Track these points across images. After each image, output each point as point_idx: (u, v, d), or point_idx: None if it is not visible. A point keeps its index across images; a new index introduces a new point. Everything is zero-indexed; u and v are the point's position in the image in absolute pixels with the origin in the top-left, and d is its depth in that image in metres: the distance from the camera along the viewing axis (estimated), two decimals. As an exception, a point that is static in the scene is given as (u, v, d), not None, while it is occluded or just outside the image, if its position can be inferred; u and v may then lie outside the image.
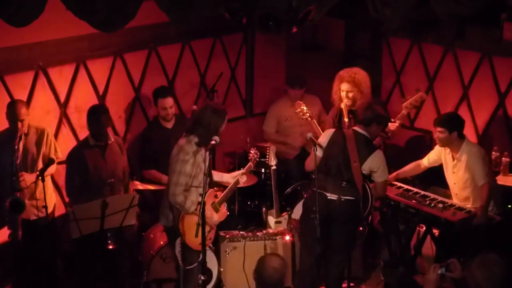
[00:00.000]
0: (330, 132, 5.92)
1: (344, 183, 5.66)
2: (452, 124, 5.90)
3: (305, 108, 6.62)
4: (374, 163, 5.66)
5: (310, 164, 5.87)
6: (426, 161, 6.29)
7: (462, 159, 5.91)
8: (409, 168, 6.36)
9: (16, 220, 5.79)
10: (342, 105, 6.42)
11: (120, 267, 6.14)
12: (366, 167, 5.66)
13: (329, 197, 5.67)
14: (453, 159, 5.98)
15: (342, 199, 5.64)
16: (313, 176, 5.52)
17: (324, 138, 5.88)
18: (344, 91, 6.47)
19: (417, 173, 6.37)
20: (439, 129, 5.91)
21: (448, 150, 6.02)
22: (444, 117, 6.16)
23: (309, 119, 6.58)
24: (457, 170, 5.97)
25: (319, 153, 5.74)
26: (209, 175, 5.16)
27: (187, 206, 5.38)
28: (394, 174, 6.33)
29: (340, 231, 5.69)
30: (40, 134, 5.97)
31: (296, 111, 6.69)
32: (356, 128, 5.81)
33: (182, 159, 5.35)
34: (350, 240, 5.85)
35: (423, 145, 6.85)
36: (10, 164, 5.78)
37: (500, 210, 5.95)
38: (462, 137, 5.92)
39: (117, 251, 5.95)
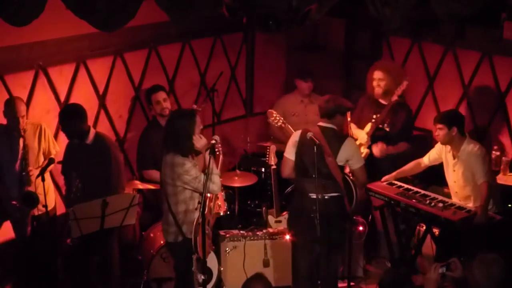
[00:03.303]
0: (297, 133, 5.86)
1: (323, 180, 5.59)
2: (451, 120, 5.89)
3: (276, 115, 6.59)
4: (348, 151, 5.63)
5: (285, 169, 5.89)
6: (427, 160, 6.29)
7: (463, 158, 5.90)
8: (409, 167, 6.36)
9: (27, 215, 5.88)
10: None
11: (111, 269, 6.13)
12: (341, 158, 5.62)
13: (312, 197, 5.61)
14: (454, 158, 5.98)
15: (326, 197, 5.59)
16: (314, 176, 5.50)
17: (293, 140, 5.84)
18: (376, 79, 6.51)
19: (417, 172, 6.37)
20: (438, 126, 5.90)
21: (448, 148, 6.02)
22: (442, 113, 6.16)
23: (283, 125, 6.54)
24: (457, 168, 5.97)
25: (291, 156, 5.78)
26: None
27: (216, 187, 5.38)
28: (394, 173, 6.32)
29: (329, 229, 5.63)
30: (38, 129, 6.01)
31: (269, 120, 6.65)
32: (321, 123, 5.77)
33: (185, 170, 5.29)
34: (341, 237, 5.81)
35: (424, 144, 6.85)
36: (8, 160, 5.85)
37: (500, 209, 5.96)
38: (463, 134, 5.91)
39: (108, 253, 6.00)
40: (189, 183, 5.32)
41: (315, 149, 5.46)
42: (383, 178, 6.32)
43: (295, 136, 5.85)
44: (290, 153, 5.81)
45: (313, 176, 5.55)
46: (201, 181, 5.27)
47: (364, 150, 6.53)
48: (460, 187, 6.01)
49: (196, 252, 5.36)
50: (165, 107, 6.61)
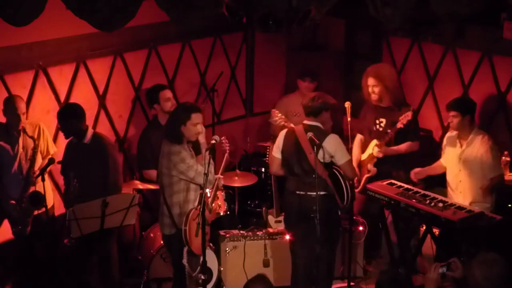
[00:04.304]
0: (283, 133, 5.92)
1: (310, 179, 5.56)
2: (465, 108, 5.95)
3: (280, 115, 6.59)
4: (331, 148, 5.60)
5: (271, 167, 5.99)
6: (443, 160, 6.32)
7: (473, 145, 5.95)
8: (435, 166, 6.36)
9: (30, 215, 5.90)
10: (346, 105, 6.43)
11: (110, 270, 6.14)
12: (324, 155, 5.58)
13: (300, 194, 5.69)
14: (461, 145, 6.01)
15: (313, 195, 5.55)
16: (314, 176, 5.49)
17: (279, 139, 5.90)
18: (370, 86, 6.52)
19: (441, 172, 6.34)
20: (452, 113, 5.94)
21: (455, 135, 6.05)
22: (457, 100, 6.17)
23: (285, 124, 6.53)
24: (464, 157, 6.01)
25: (277, 154, 5.85)
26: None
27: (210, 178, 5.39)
28: (425, 168, 6.31)
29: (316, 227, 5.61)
30: (36, 129, 6.02)
31: (272, 119, 6.63)
32: (305, 121, 5.79)
33: (181, 158, 5.34)
34: (331, 235, 5.76)
35: (424, 144, 6.85)
36: (8, 159, 5.88)
37: (498, 208, 5.98)
38: (473, 121, 5.99)
39: (107, 253, 6.01)
40: (184, 172, 5.34)
41: (314, 149, 5.46)
42: (416, 170, 6.30)
43: (281, 135, 5.91)
44: (276, 152, 5.89)
45: (297, 173, 5.68)
46: (197, 171, 5.33)
47: (371, 169, 6.54)
48: (465, 175, 6.03)
49: (186, 244, 5.38)
50: (174, 103, 6.63)
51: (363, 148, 6.71)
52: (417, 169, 6.32)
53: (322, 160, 5.56)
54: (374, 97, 6.54)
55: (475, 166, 5.97)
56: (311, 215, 5.42)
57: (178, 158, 5.33)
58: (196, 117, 5.39)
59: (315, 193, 5.48)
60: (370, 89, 6.54)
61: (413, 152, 6.54)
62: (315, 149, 5.47)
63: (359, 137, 6.75)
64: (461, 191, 6.08)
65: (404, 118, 6.26)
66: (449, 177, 6.21)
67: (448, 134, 6.34)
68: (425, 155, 6.46)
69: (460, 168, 6.06)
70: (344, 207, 5.86)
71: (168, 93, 6.63)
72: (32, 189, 5.89)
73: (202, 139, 5.54)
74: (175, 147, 5.36)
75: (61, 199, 6.53)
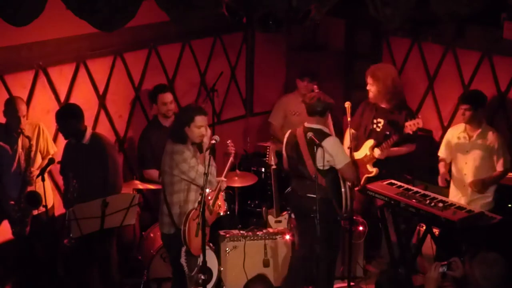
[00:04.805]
0: (287, 134, 5.97)
1: (308, 181, 5.61)
2: (478, 101, 6.01)
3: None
4: (330, 149, 5.58)
5: (284, 164, 6.07)
6: (445, 155, 6.34)
7: (484, 139, 6.00)
8: (444, 164, 6.37)
9: (28, 215, 5.91)
10: (346, 105, 6.43)
11: (110, 270, 6.14)
12: (321, 160, 5.55)
13: (301, 195, 5.75)
14: (469, 139, 6.04)
15: (309, 195, 5.60)
16: (314, 176, 5.50)
17: (285, 140, 5.98)
18: (368, 84, 6.54)
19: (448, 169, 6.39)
20: (464, 106, 5.99)
21: (461, 129, 6.09)
22: (470, 94, 6.24)
23: None
24: (473, 149, 6.04)
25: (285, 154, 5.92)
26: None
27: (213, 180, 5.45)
28: (442, 171, 6.32)
29: (311, 227, 5.57)
30: (36, 129, 6.02)
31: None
32: (306, 123, 5.78)
33: (184, 158, 5.34)
34: (329, 238, 5.74)
35: (424, 144, 6.85)
36: (7, 160, 5.88)
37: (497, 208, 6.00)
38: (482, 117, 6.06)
39: (106, 254, 6.01)
40: (186, 172, 5.34)
41: (315, 149, 5.47)
42: (442, 178, 6.30)
43: (285, 136, 5.97)
44: (283, 150, 5.99)
45: (297, 175, 5.75)
46: (198, 172, 5.33)
47: (372, 169, 6.52)
48: (472, 168, 6.06)
49: (185, 244, 5.38)
50: (170, 109, 6.61)
51: (356, 144, 6.64)
52: (443, 175, 6.35)
53: (321, 167, 5.58)
54: (370, 95, 6.55)
55: (484, 159, 6.00)
56: (311, 215, 5.43)
57: (181, 158, 5.34)
58: (200, 120, 5.38)
59: (310, 195, 5.53)
60: (368, 87, 6.55)
61: (410, 153, 6.55)
62: (315, 149, 5.47)
63: (350, 130, 6.66)
64: (465, 184, 6.09)
65: (414, 126, 6.23)
66: (453, 170, 6.21)
67: (451, 128, 6.36)
68: (425, 155, 6.45)
69: (466, 161, 6.08)
70: (342, 216, 5.86)
71: (166, 98, 6.59)
72: (31, 189, 5.89)
73: (206, 142, 5.51)
74: (178, 146, 5.37)
75: (61, 199, 6.53)
